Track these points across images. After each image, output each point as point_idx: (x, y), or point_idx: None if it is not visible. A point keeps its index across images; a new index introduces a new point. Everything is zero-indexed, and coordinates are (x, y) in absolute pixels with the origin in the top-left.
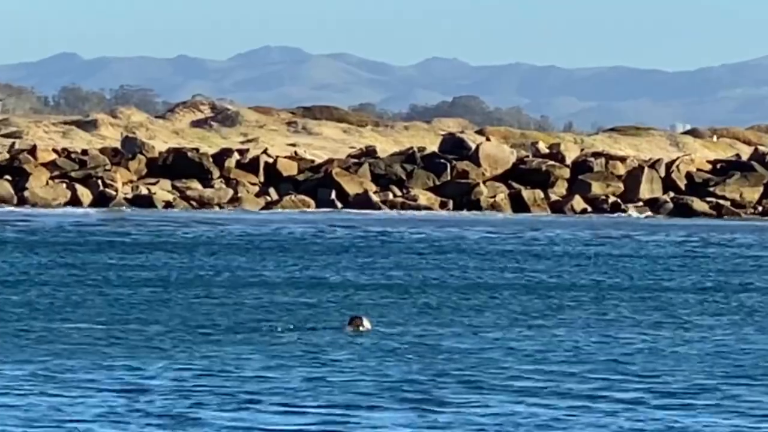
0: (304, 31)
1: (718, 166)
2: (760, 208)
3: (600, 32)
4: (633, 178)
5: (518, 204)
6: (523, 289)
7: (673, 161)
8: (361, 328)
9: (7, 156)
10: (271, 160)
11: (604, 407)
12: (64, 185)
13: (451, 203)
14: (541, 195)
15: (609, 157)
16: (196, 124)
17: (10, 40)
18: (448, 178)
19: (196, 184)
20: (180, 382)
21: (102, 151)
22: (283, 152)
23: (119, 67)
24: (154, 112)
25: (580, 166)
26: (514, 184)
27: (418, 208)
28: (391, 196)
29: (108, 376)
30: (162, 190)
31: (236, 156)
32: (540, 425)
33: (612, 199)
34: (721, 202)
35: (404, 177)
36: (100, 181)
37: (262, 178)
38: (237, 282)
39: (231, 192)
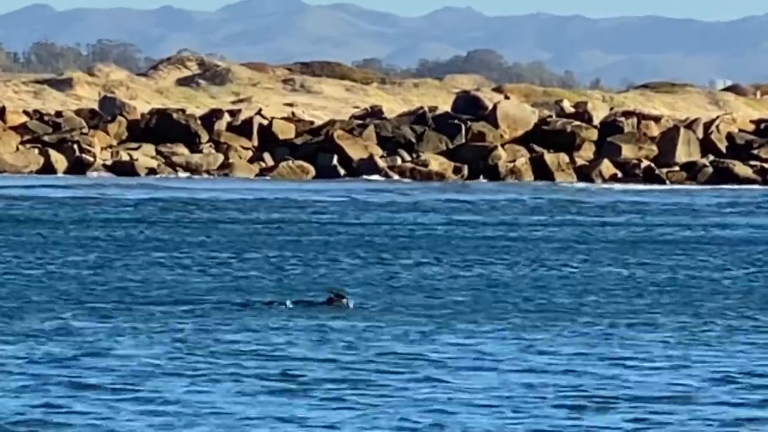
0: None
1: (763, 126)
2: None
3: None
4: (668, 140)
5: (540, 169)
6: None
7: (713, 121)
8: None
9: None
10: (265, 122)
11: None
12: (36, 151)
13: (465, 169)
14: (566, 159)
15: (641, 117)
16: (182, 82)
17: None
18: (463, 140)
19: (182, 149)
20: None
21: (78, 112)
22: (279, 113)
23: (96, 20)
24: (136, 70)
25: (609, 127)
26: (536, 148)
27: (429, 174)
28: (399, 161)
29: None
30: (145, 155)
31: (227, 117)
32: None
33: (645, 163)
34: (767, 165)
35: (414, 140)
36: (76, 146)
37: (255, 142)
38: None
39: (221, 157)
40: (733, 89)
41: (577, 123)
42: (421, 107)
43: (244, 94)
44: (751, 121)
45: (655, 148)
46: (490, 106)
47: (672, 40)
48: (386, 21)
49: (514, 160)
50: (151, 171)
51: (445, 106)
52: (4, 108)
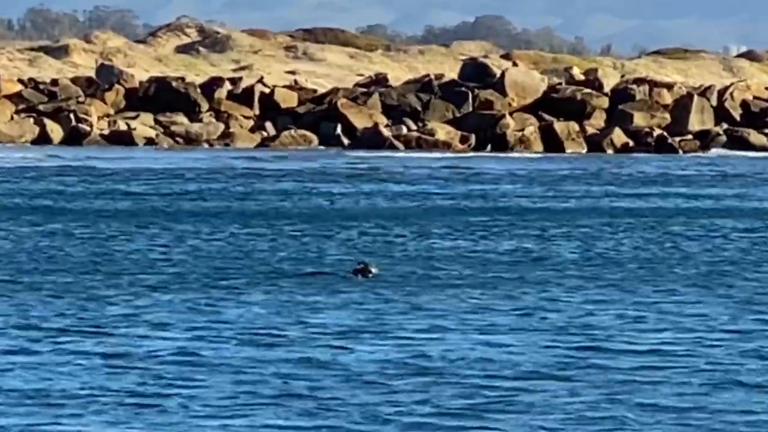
0: None
1: None
2: None
3: None
4: (681, 108)
5: (550, 138)
6: None
7: (727, 88)
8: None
9: None
10: (267, 91)
11: None
12: (32, 120)
13: (473, 138)
14: (576, 128)
15: (653, 84)
16: (181, 49)
17: None
18: (470, 109)
19: (182, 119)
20: None
21: (74, 81)
22: (281, 81)
23: None
24: (134, 37)
25: (620, 95)
26: (545, 116)
27: (435, 143)
28: (405, 130)
29: None
30: (143, 125)
31: (227, 86)
32: None
33: (657, 131)
34: None
35: (420, 108)
36: (72, 116)
37: (257, 111)
38: None
39: (222, 127)
40: (748, 55)
41: (588, 91)
42: (427, 75)
43: (245, 62)
44: (766, 88)
45: (667, 116)
46: (498, 74)
47: (686, 4)
48: None
49: (522, 129)
50: (150, 141)
51: (452, 73)
52: None
